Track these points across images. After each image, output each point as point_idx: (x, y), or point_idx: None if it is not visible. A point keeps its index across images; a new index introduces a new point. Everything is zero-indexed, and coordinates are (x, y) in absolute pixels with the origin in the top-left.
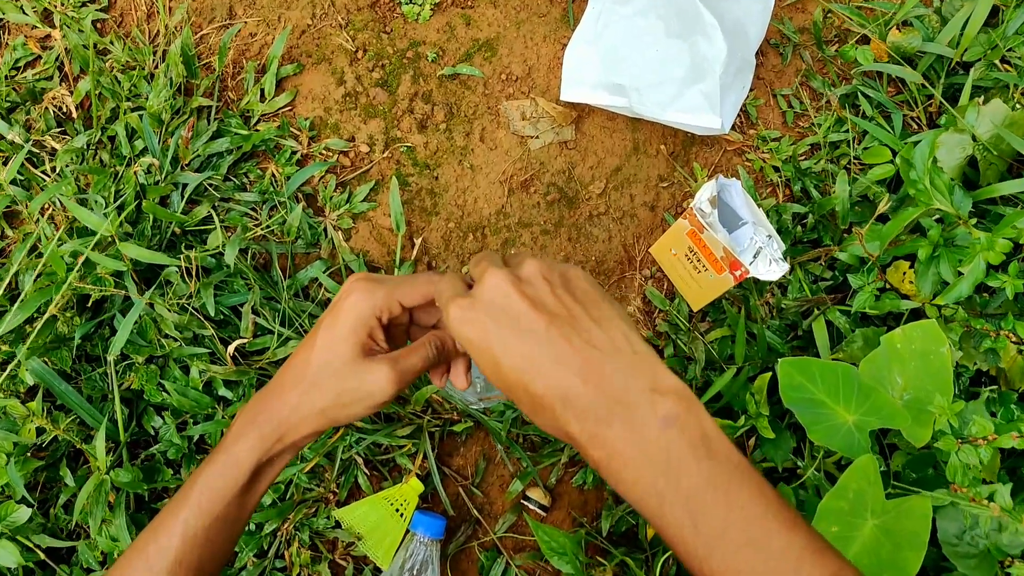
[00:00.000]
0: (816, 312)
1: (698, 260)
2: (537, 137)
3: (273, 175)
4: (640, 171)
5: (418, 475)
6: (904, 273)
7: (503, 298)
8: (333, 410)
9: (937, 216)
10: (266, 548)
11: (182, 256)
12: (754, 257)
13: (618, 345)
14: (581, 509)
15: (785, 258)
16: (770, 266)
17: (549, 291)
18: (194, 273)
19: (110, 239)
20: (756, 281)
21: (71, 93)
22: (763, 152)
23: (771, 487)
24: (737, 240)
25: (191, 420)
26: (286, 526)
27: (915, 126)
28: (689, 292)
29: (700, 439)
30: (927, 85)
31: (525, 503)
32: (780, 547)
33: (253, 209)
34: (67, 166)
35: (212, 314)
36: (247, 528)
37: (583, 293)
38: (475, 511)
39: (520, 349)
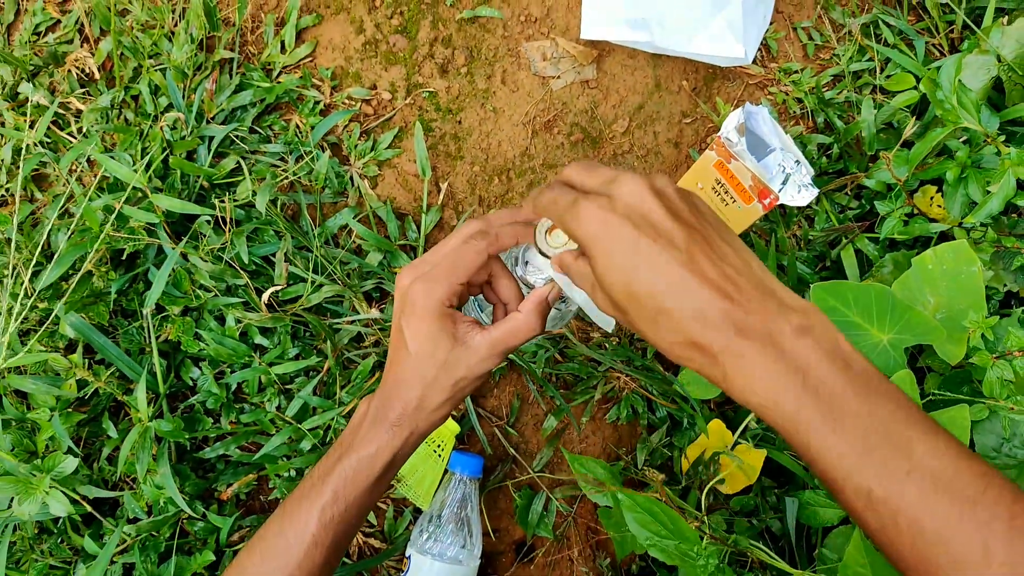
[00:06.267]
0: (844, 241)
1: (726, 192)
2: (558, 77)
3: (297, 126)
4: (663, 108)
5: (454, 417)
6: (932, 197)
7: (643, 204)
8: (453, 398)
9: (964, 138)
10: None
11: (216, 206)
12: (783, 184)
13: (747, 262)
14: (615, 444)
15: (814, 183)
16: (799, 192)
17: (684, 206)
18: (229, 222)
19: (141, 193)
20: (783, 212)
21: (92, 55)
22: (785, 85)
23: (908, 397)
24: (766, 168)
25: (228, 369)
26: None
27: (937, 53)
28: None
29: (835, 350)
30: (950, 7)
31: None
32: (923, 451)
33: (281, 159)
34: (93, 126)
35: (246, 262)
36: (289, 472)
37: (709, 212)
38: (511, 450)
39: (659, 259)
